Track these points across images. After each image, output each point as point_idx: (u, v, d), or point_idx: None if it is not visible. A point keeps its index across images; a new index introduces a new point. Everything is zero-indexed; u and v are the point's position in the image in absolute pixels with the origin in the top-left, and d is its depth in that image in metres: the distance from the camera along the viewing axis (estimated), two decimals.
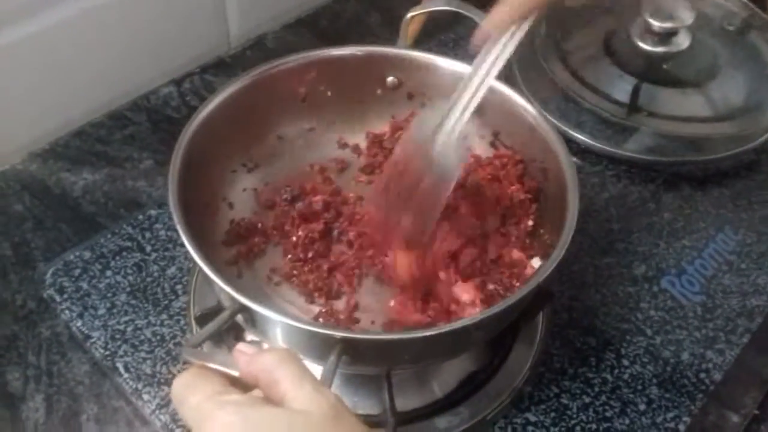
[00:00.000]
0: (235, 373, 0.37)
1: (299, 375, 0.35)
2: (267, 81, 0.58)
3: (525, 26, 0.50)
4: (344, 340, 0.42)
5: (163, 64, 0.81)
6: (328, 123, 0.64)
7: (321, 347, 0.43)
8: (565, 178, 0.51)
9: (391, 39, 0.87)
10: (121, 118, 0.78)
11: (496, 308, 0.45)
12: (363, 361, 0.45)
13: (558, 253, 0.46)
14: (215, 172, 0.57)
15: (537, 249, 0.56)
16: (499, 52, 0.50)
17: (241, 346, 0.37)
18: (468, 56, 0.82)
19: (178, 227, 0.45)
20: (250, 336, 0.56)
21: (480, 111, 0.60)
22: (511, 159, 0.59)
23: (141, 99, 0.80)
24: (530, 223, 0.57)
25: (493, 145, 0.61)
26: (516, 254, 0.56)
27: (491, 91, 0.58)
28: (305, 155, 0.63)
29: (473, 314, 0.49)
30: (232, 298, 0.43)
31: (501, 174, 0.59)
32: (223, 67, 0.84)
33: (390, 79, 0.62)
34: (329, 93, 0.62)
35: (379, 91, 0.63)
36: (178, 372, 0.56)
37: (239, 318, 0.44)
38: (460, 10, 0.59)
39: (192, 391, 0.35)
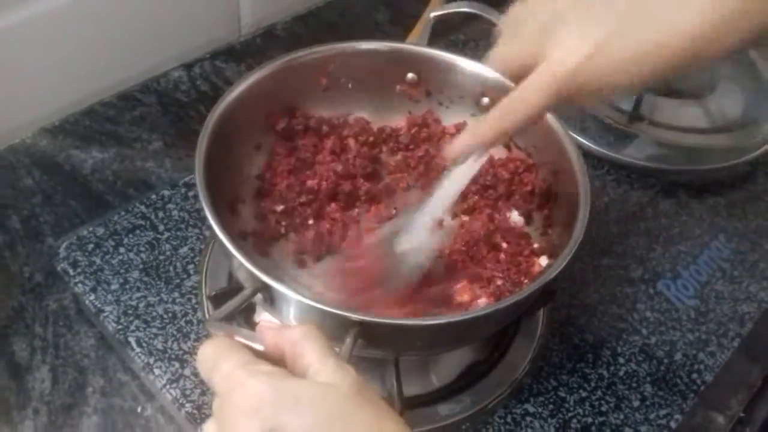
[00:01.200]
0: (259, 347, 0.38)
1: (324, 350, 0.36)
2: (292, 70, 0.59)
3: (486, 154, 0.51)
4: (361, 322, 0.43)
5: (175, 48, 0.82)
6: (346, 115, 0.65)
7: (338, 329, 0.44)
8: (577, 180, 0.53)
9: (399, 35, 0.89)
10: (132, 99, 0.78)
11: (507, 301, 0.47)
12: (376, 344, 0.46)
13: (569, 251, 0.48)
14: (236, 157, 0.58)
15: (545, 248, 0.58)
16: (461, 176, 0.51)
17: (264, 321, 0.38)
18: (478, 57, 0.84)
19: (205, 206, 0.46)
20: (259, 316, 0.57)
21: None
22: (524, 162, 0.61)
23: (151, 81, 0.80)
24: (546, 212, 0.59)
25: (506, 146, 0.63)
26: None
27: (506, 91, 0.60)
28: None
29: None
30: (254, 277, 0.44)
31: (515, 177, 0.61)
32: (233, 53, 0.85)
33: (410, 75, 0.63)
34: (350, 85, 0.63)
35: (398, 87, 0.64)
36: (191, 348, 0.57)
37: (257, 297, 0.46)
38: (483, 13, 0.61)
39: (223, 359, 0.36)
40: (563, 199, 0.56)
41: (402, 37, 0.88)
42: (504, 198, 0.61)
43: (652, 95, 0.79)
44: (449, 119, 0.65)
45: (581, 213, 0.50)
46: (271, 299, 0.45)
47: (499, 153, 0.63)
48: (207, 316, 0.58)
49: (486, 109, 0.62)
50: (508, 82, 0.59)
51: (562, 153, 0.55)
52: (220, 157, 0.52)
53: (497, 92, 0.61)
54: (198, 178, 0.47)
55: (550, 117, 0.56)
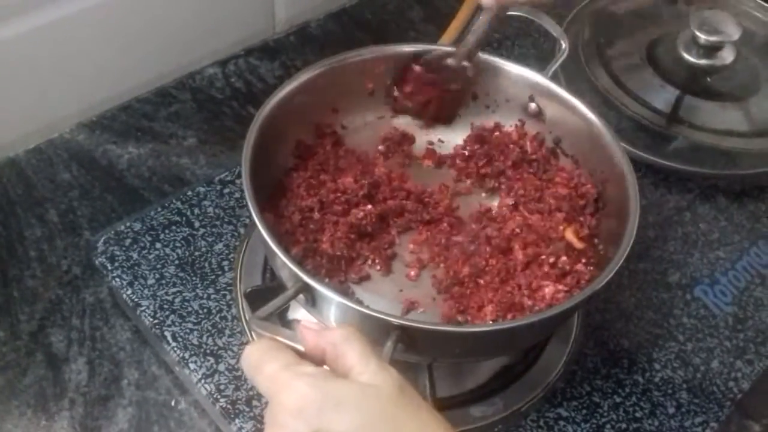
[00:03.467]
0: (301, 348, 0.38)
1: (365, 352, 0.37)
2: (338, 71, 0.59)
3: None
4: (402, 327, 0.43)
5: (210, 45, 0.82)
6: (392, 117, 0.64)
7: (378, 332, 0.43)
8: (627, 191, 0.52)
9: (433, 34, 0.88)
10: (167, 95, 0.79)
11: (552, 311, 0.47)
12: (416, 349, 0.45)
13: (617, 261, 0.48)
14: (280, 157, 0.59)
15: (590, 257, 0.57)
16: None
17: (305, 322, 0.39)
18: (514, 56, 0.84)
19: (251, 207, 0.46)
20: (294, 314, 0.58)
21: (543, 116, 0.61)
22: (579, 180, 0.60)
23: (186, 78, 0.81)
24: (586, 231, 0.58)
25: (553, 152, 0.62)
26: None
27: (556, 97, 0.59)
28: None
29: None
30: (297, 277, 0.44)
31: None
32: (267, 51, 0.86)
33: None
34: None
35: None
36: (225, 344, 0.57)
37: (299, 297, 0.46)
38: (530, 16, 0.60)
39: (268, 360, 0.36)
40: (611, 208, 0.56)
41: (436, 36, 0.88)
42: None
43: (692, 97, 0.77)
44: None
45: (630, 223, 0.50)
46: (313, 300, 0.45)
47: (544, 158, 0.62)
48: (242, 312, 0.59)
49: (534, 114, 0.62)
50: (557, 89, 0.59)
51: (611, 162, 0.55)
52: (264, 157, 0.52)
53: (545, 97, 0.60)
54: (245, 180, 0.48)
55: (599, 124, 0.55)
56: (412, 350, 0.45)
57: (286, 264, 0.44)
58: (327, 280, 0.53)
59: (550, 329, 0.54)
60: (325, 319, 0.47)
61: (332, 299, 0.43)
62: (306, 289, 0.44)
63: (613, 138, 0.55)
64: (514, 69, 0.61)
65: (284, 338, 0.38)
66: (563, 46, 0.61)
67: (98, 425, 0.54)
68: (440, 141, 0.65)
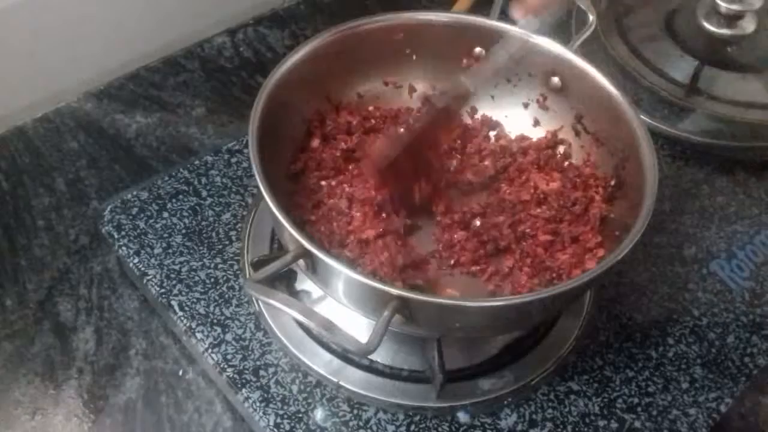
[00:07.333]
0: (295, 314, 0.37)
1: None
2: (353, 38, 0.57)
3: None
4: (400, 297, 0.42)
5: (219, 13, 0.81)
6: (410, 88, 0.63)
7: (376, 302, 0.43)
8: (644, 173, 0.51)
9: (445, 2, 0.86)
10: (175, 64, 0.78)
11: (562, 287, 0.45)
12: (415, 322, 0.44)
13: (630, 240, 0.46)
14: (290, 127, 0.58)
15: (605, 233, 0.55)
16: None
17: None
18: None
19: (255, 168, 0.45)
20: (301, 285, 0.57)
21: (565, 91, 0.60)
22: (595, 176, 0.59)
23: (195, 47, 0.80)
24: (596, 212, 0.56)
25: (574, 129, 0.60)
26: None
27: (580, 72, 0.57)
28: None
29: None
30: (297, 242, 0.43)
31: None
32: (277, 20, 0.84)
33: (477, 49, 0.60)
34: (414, 57, 0.61)
35: (465, 61, 0.61)
36: (233, 314, 0.57)
37: (300, 263, 0.45)
38: None
39: None
40: (629, 187, 0.54)
41: (448, 5, 0.86)
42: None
43: (712, 68, 0.75)
44: (517, 98, 0.62)
45: (644, 209, 0.49)
46: (313, 267, 0.45)
47: (567, 135, 0.61)
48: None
49: (556, 89, 0.60)
50: (582, 63, 0.57)
51: (632, 142, 0.53)
52: (273, 125, 0.51)
53: (569, 71, 0.58)
54: (251, 140, 0.47)
55: (623, 103, 0.54)
56: (412, 323, 0.44)
57: (285, 228, 0.43)
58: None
59: (559, 307, 0.52)
60: (329, 287, 0.46)
61: (329, 266, 0.42)
62: (306, 254, 0.43)
63: (637, 119, 0.53)
64: (537, 40, 0.58)
65: (278, 302, 0.38)
66: (590, 18, 0.58)
67: (105, 394, 0.54)
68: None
